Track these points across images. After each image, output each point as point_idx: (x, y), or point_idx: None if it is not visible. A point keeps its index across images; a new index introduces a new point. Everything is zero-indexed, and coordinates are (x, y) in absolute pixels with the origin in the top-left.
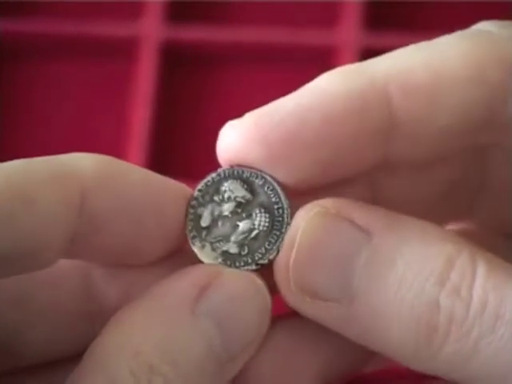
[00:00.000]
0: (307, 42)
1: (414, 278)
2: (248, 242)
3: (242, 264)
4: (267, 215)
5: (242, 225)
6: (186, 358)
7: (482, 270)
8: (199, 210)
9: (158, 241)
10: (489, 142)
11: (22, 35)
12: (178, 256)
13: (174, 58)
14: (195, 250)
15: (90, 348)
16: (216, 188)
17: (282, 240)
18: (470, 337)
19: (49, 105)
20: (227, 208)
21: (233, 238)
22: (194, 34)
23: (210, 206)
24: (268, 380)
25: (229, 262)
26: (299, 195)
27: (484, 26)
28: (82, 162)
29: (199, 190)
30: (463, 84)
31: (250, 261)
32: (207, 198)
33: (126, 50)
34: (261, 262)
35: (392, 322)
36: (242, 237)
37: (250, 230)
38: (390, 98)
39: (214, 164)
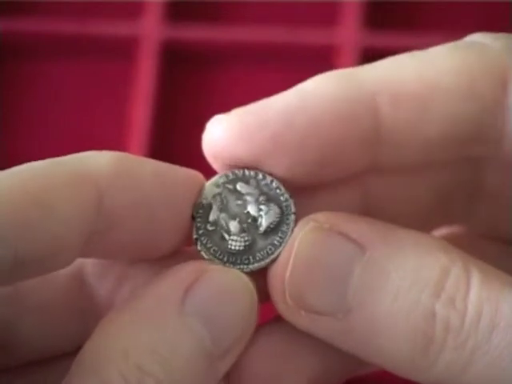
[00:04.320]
0: (307, 42)
1: (409, 289)
2: (219, 235)
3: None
4: (246, 246)
5: (233, 224)
6: (177, 356)
7: (476, 279)
8: (252, 182)
9: (172, 232)
10: (480, 155)
11: (22, 35)
12: (172, 254)
13: (173, 58)
14: (207, 182)
15: (80, 352)
16: (275, 196)
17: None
18: (466, 347)
19: (49, 104)
20: (252, 209)
21: (221, 219)
22: (194, 33)
23: (253, 189)
24: (263, 381)
25: (199, 219)
26: None
27: (477, 37)
28: (98, 161)
29: (270, 174)
30: (454, 97)
31: (200, 244)
32: (263, 183)
33: (125, 49)
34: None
35: (388, 334)
36: (220, 228)
37: (228, 233)
38: (379, 106)
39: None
